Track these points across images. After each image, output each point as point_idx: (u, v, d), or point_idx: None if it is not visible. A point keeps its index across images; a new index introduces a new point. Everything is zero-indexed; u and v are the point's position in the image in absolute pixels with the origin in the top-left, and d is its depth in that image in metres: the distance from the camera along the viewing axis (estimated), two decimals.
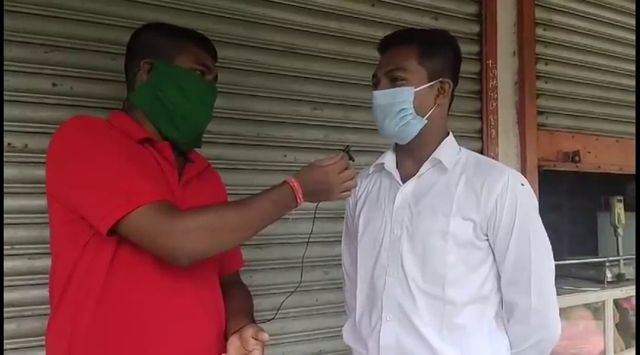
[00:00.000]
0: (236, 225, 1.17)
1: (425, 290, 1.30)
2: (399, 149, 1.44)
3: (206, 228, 1.12)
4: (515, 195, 1.29)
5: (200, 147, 1.39)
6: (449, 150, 1.39)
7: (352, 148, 1.33)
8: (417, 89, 1.32)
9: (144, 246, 1.12)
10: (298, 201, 1.22)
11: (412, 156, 1.41)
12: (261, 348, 1.21)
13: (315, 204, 1.32)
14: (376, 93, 1.36)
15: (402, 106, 1.32)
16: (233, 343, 1.23)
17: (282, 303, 1.49)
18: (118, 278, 1.14)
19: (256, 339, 1.20)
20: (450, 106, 1.43)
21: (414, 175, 1.38)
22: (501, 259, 1.31)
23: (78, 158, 1.13)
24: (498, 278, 1.34)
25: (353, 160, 1.32)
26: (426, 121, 1.34)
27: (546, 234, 1.35)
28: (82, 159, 1.12)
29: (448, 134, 1.42)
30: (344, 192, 1.28)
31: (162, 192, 1.14)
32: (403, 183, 1.39)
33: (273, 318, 1.49)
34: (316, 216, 1.41)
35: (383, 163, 1.44)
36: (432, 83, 1.34)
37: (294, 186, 1.21)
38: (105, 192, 1.09)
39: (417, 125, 1.34)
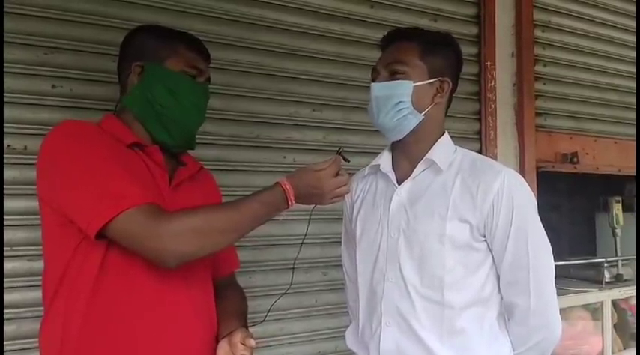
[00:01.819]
0: (224, 226, 1.17)
1: (424, 295, 1.29)
2: (394, 148, 1.43)
3: (193, 230, 1.12)
4: (512, 195, 1.28)
5: (193, 149, 1.38)
6: (443, 150, 1.37)
7: (351, 150, 1.33)
8: (417, 84, 1.32)
9: (132, 248, 1.12)
10: (289, 203, 1.22)
11: (407, 155, 1.39)
12: (249, 353, 1.21)
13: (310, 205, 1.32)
14: (374, 84, 1.35)
15: (399, 99, 1.31)
16: (222, 347, 1.23)
17: (271, 306, 1.49)
18: (108, 280, 1.14)
19: (244, 344, 1.21)
20: (447, 108, 1.42)
21: (409, 176, 1.37)
22: (499, 260, 1.30)
23: (66, 162, 1.13)
24: (499, 279, 1.33)
25: (348, 161, 1.31)
26: (423, 117, 1.33)
27: (545, 234, 1.34)
28: (70, 163, 1.13)
29: (443, 133, 1.41)
30: (335, 197, 1.28)
31: (149, 195, 1.14)
32: (399, 184, 1.38)
33: (263, 320, 1.49)
34: (315, 217, 1.41)
35: (379, 165, 1.43)
36: (431, 80, 1.34)
37: (286, 189, 1.21)
38: (92, 195, 1.09)
39: (412, 120, 1.33)
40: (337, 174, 1.26)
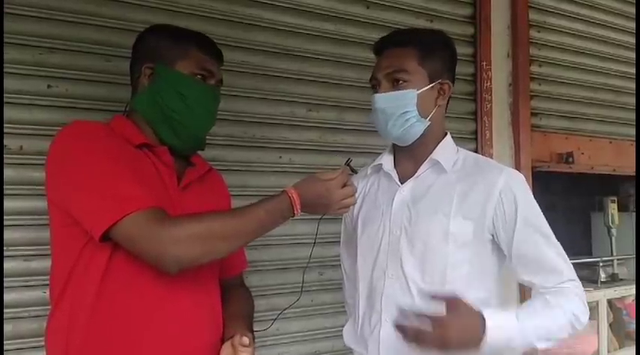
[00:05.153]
0: (227, 233, 1.15)
1: (424, 291, 1.28)
2: (397, 150, 1.44)
3: (196, 236, 1.11)
4: (515, 192, 1.29)
5: (203, 150, 1.38)
6: (447, 150, 1.39)
7: (346, 150, 1.33)
8: (420, 91, 1.32)
9: (134, 252, 1.12)
10: (295, 212, 1.21)
11: (411, 157, 1.41)
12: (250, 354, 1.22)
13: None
14: (378, 96, 1.35)
15: (405, 109, 1.32)
16: (225, 349, 1.23)
17: (289, 306, 1.51)
18: (113, 282, 1.14)
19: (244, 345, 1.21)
20: (447, 107, 1.43)
21: (412, 176, 1.38)
22: (509, 255, 1.31)
23: (73, 164, 1.13)
24: (499, 278, 1.35)
25: (355, 172, 1.33)
26: (429, 123, 1.34)
27: (548, 224, 1.34)
28: (76, 165, 1.13)
29: (446, 134, 1.42)
30: (342, 208, 1.27)
31: (154, 198, 1.13)
32: (401, 183, 1.39)
33: (270, 326, 1.51)
34: (311, 217, 1.40)
35: (381, 164, 1.44)
36: (432, 84, 1.34)
37: (292, 197, 1.20)
38: (97, 198, 1.09)
39: (420, 127, 1.34)
40: (344, 185, 1.25)
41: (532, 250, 1.29)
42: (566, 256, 1.32)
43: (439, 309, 1.16)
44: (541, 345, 1.23)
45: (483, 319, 1.15)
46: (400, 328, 1.15)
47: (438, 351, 1.14)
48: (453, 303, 1.15)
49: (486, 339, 1.14)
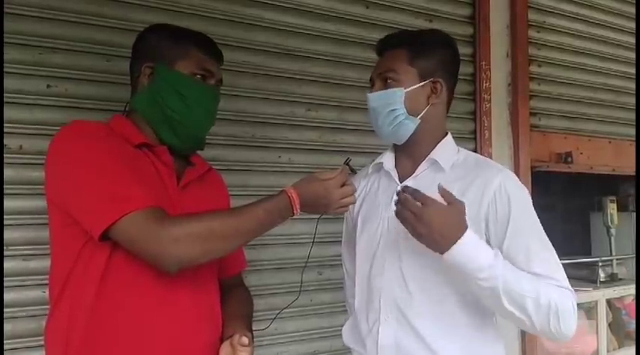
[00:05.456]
0: (226, 233, 1.16)
1: (423, 289, 1.30)
2: (397, 149, 1.46)
3: (195, 236, 1.11)
4: (509, 194, 1.29)
5: (203, 150, 1.38)
6: (446, 150, 1.40)
7: (347, 150, 1.33)
8: (408, 89, 1.34)
9: (134, 251, 1.12)
10: (295, 211, 1.22)
11: (410, 155, 1.42)
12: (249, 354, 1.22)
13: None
14: (369, 95, 1.38)
15: (393, 107, 1.33)
16: (225, 349, 1.24)
17: (288, 305, 1.52)
18: (112, 281, 1.15)
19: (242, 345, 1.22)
20: (448, 106, 1.44)
21: (411, 175, 1.39)
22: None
23: (72, 164, 1.13)
24: None
25: (355, 173, 1.33)
26: (419, 121, 1.35)
27: (543, 229, 1.33)
28: (75, 164, 1.13)
29: (446, 134, 1.43)
30: (341, 207, 1.27)
31: (153, 198, 1.13)
32: (401, 182, 1.39)
33: (269, 325, 1.52)
34: (310, 217, 1.41)
35: (381, 163, 1.45)
36: (423, 83, 1.35)
37: (292, 197, 1.20)
38: (96, 198, 1.10)
39: (409, 125, 1.35)
40: (343, 184, 1.26)
41: (522, 255, 1.27)
42: (561, 264, 1.29)
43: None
44: (506, 305, 1.19)
45: (464, 232, 1.17)
46: (398, 198, 1.20)
47: (411, 228, 1.19)
48: (452, 202, 1.19)
49: (456, 248, 1.16)
